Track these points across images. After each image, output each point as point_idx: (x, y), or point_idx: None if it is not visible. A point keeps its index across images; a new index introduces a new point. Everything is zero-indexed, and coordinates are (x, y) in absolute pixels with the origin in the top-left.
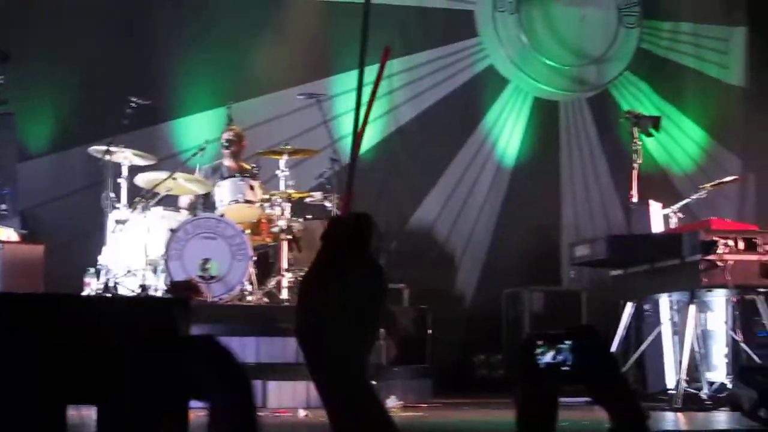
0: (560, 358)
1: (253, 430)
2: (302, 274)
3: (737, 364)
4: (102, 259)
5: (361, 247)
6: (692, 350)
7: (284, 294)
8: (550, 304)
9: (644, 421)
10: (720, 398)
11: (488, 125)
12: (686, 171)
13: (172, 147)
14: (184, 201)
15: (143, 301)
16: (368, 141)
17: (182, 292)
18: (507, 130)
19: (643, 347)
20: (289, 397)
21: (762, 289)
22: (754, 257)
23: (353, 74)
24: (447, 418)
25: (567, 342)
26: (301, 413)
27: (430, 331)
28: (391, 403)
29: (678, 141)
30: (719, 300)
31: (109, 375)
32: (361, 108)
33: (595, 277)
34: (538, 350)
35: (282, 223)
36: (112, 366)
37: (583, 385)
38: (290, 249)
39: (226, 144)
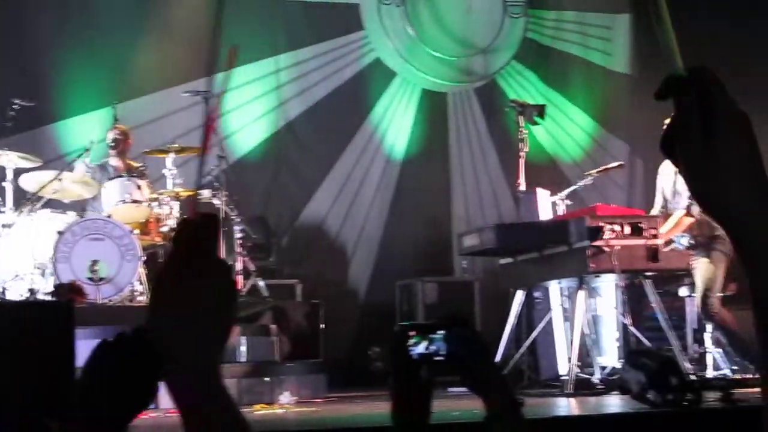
0: (433, 348)
1: None
2: None
3: (627, 347)
4: None
5: (208, 247)
6: (583, 335)
7: None
8: (443, 294)
9: (518, 409)
10: (611, 382)
11: (377, 118)
12: (575, 159)
13: (57, 149)
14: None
15: (24, 305)
16: (257, 137)
17: (66, 294)
18: (396, 123)
19: (534, 334)
20: None
21: (649, 273)
22: (640, 242)
23: (238, 71)
24: (340, 413)
25: (440, 332)
26: None
27: (323, 326)
28: (285, 399)
29: (566, 129)
30: (608, 285)
31: None
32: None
33: (487, 266)
34: (411, 341)
35: (171, 223)
36: None
37: (457, 375)
38: None
39: (112, 143)
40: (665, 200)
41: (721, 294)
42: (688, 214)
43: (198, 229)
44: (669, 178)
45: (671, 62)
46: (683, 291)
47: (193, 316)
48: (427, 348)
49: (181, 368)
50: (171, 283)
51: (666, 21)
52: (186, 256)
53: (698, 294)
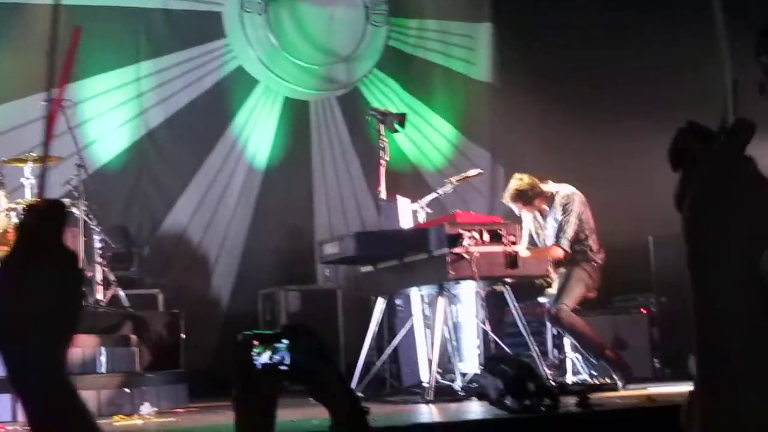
0: (277, 357)
1: None
2: None
3: (488, 354)
4: None
5: (53, 234)
6: (444, 342)
7: None
8: (306, 303)
9: (363, 417)
10: (472, 389)
11: (239, 126)
12: (437, 166)
13: None
14: None
15: None
16: (118, 146)
17: None
18: (258, 131)
19: (395, 342)
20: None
21: (508, 280)
22: (499, 248)
23: (98, 79)
24: (201, 423)
25: (283, 341)
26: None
27: (183, 336)
28: (145, 410)
29: (428, 137)
30: (468, 292)
31: None
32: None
33: (350, 274)
34: (255, 350)
35: None
36: None
37: (301, 385)
38: None
39: None
40: (531, 238)
41: (574, 303)
42: (558, 246)
43: (43, 215)
44: (530, 224)
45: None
46: (543, 298)
47: (36, 307)
48: (270, 358)
49: (22, 365)
50: (12, 273)
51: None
52: (29, 244)
53: (552, 295)
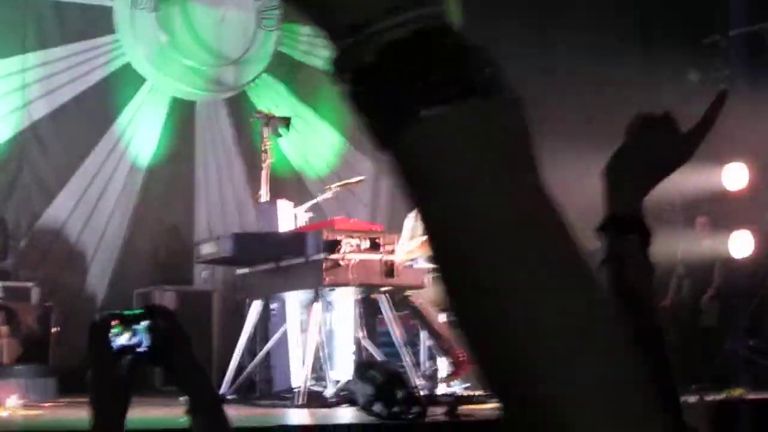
0: (136, 339)
1: None
2: None
3: (360, 361)
4: None
5: None
6: (318, 349)
7: None
8: (181, 303)
9: (219, 403)
10: (344, 396)
11: (123, 124)
12: (320, 174)
13: None
14: None
15: None
16: None
17: None
18: (142, 130)
19: (268, 346)
20: None
21: (384, 288)
22: (377, 257)
23: None
24: (66, 417)
25: (143, 323)
26: None
27: (54, 330)
28: (12, 402)
29: (313, 144)
30: (344, 299)
31: None
32: None
33: (227, 276)
34: (113, 331)
35: None
36: None
37: (158, 367)
38: None
39: None
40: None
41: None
42: None
43: None
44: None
45: None
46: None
47: None
48: (129, 339)
49: None
50: None
51: None
52: None
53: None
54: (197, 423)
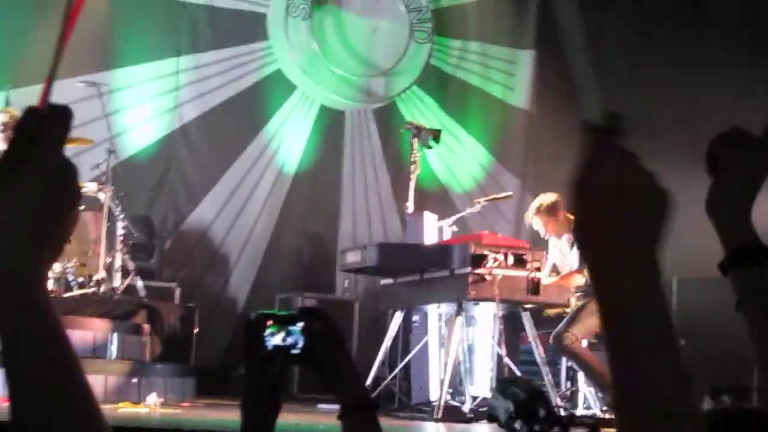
0: (290, 340)
1: None
2: (70, 266)
3: (500, 377)
4: None
5: (53, 140)
6: (457, 363)
7: (50, 284)
8: None
9: (371, 408)
10: (481, 412)
11: (272, 130)
12: (465, 188)
13: None
14: None
15: None
16: (150, 137)
17: None
18: (291, 136)
19: (408, 358)
20: None
21: (528, 305)
22: (522, 273)
23: (137, 69)
24: (203, 417)
25: (298, 324)
26: None
27: (196, 330)
28: (151, 400)
29: (460, 158)
30: (486, 314)
31: None
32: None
33: (369, 287)
34: (268, 331)
35: None
36: None
37: (311, 368)
38: None
39: (1, 127)
40: (555, 266)
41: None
42: (581, 273)
43: (44, 120)
44: (555, 255)
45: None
46: None
47: (20, 215)
48: (283, 340)
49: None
50: (2, 177)
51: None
52: (26, 149)
53: (560, 325)
54: (349, 426)
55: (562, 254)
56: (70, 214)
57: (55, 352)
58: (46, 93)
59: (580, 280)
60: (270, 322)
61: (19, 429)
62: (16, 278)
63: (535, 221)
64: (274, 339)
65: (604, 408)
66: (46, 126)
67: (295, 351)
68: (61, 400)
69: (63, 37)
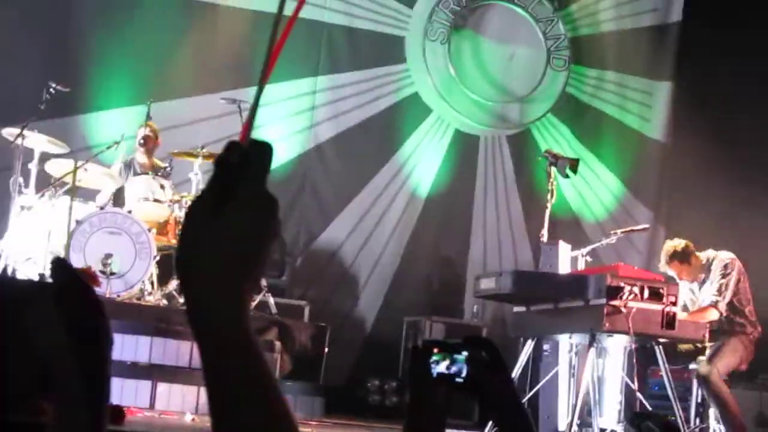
0: (454, 369)
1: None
2: None
3: (630, 411)
4: (3, 243)
5: (257, 175)
6: (587, 394)
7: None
8: (449, 336)
9: None
10: None
11: (407, 152)
12: (598, 218)
13: (85, 139)
14: (101, 199)
15: (35, 285)
16: (285, 155)
17: None
18: (425, 159)
19: (537, 387)
20: (178, 401)
21: (662, 340)
22: (657, 307)
23: (275, 87)
24: None
25: (463, 352)
26: (188, 417)
27: (327, 350)
28: None
29: (593, 188)
30: (617, 346)
31: None
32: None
33: (497, 313)
34: (434, 358)
35: None
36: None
37: (474, 398)
38: None
39: (142, 141)
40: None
41: (725, 371)
42: (715, 308)
43: (248, 154)
44: (686, 294)
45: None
46: (693, 365)
47: (227, 248)
48: (448, 368)
49: (203, 303)
50: (207, 211)
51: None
52: (231, 183)
53: (704, 359)
54: None
55: (693, 293)
56: (270, 245)
57: (257, 372)
58: (248, 127)
59: (714, 315)
60: (436, 350)
61: None
62: (224, 309)
63: (669, 269)
64: (439, 367)
65: None
66: (249, 160)
67: (459, 379)
68: (265, 414)
69: (270, 61)
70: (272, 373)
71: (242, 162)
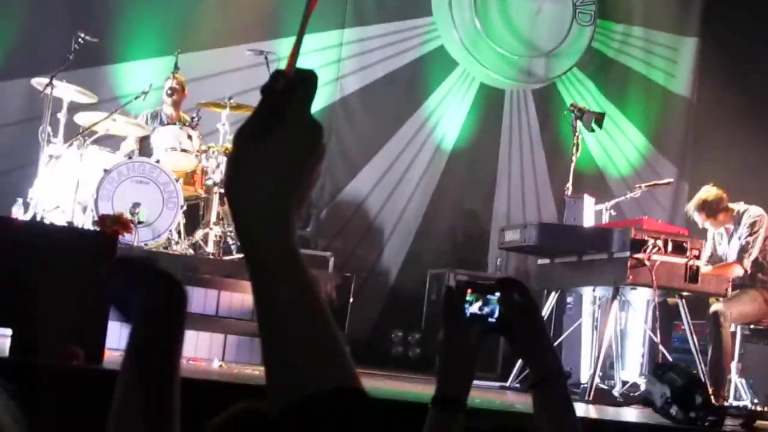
0: (487, 310)
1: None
2: (230, 230)
3: (653, 364)
4: (32, 192)
5: (302, 101)
6: (609, 347)
7: (210, 247)
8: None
9: (563, 379)
10: (630, 397)
11: (432, 106)
12: (622, 173)
13: (112, 90)
14: (126, 147)
15: (67, 230)
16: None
17: (111, 225)
18: (450, 113)
19: (560, 339)
20: (205, 348)
21: (685, 293)
22: (681, 260)
23: (305, 39)
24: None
25: (496, 294)
26: (216, 363)
27: (351, 300)
28: None
29: (617, 143)
30: (641, 300)
31: (25, 299)
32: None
33: (520, 266)
34: (467, 299)
35: (216, 176)
36: (30, 290)
37: (505, 339)
38: (221, 203)
39: (169, 92)
40: (713, 253)
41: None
42: (740, 264)
43: (294, 82)
44: (710, 241)
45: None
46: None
47: (276, 169)
48: (480, 309)
49: (254, 221)
50: (255, 136)
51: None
52: (277, 109)
53: (717, 305)
54: (540, 396)
55: (717, 243)
56: (316, 168)
57: (302, 285)
58: (293, 57)
59: (739, 270)
60: (469, 291)
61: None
62: (273, 224)
63: (696, 216)
64: (472, 307)
65: (755, 401)
66: (294, 88)
67: (491, 320)
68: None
69: (311, 2)
70: (316, 286)
71: (288, 90)
